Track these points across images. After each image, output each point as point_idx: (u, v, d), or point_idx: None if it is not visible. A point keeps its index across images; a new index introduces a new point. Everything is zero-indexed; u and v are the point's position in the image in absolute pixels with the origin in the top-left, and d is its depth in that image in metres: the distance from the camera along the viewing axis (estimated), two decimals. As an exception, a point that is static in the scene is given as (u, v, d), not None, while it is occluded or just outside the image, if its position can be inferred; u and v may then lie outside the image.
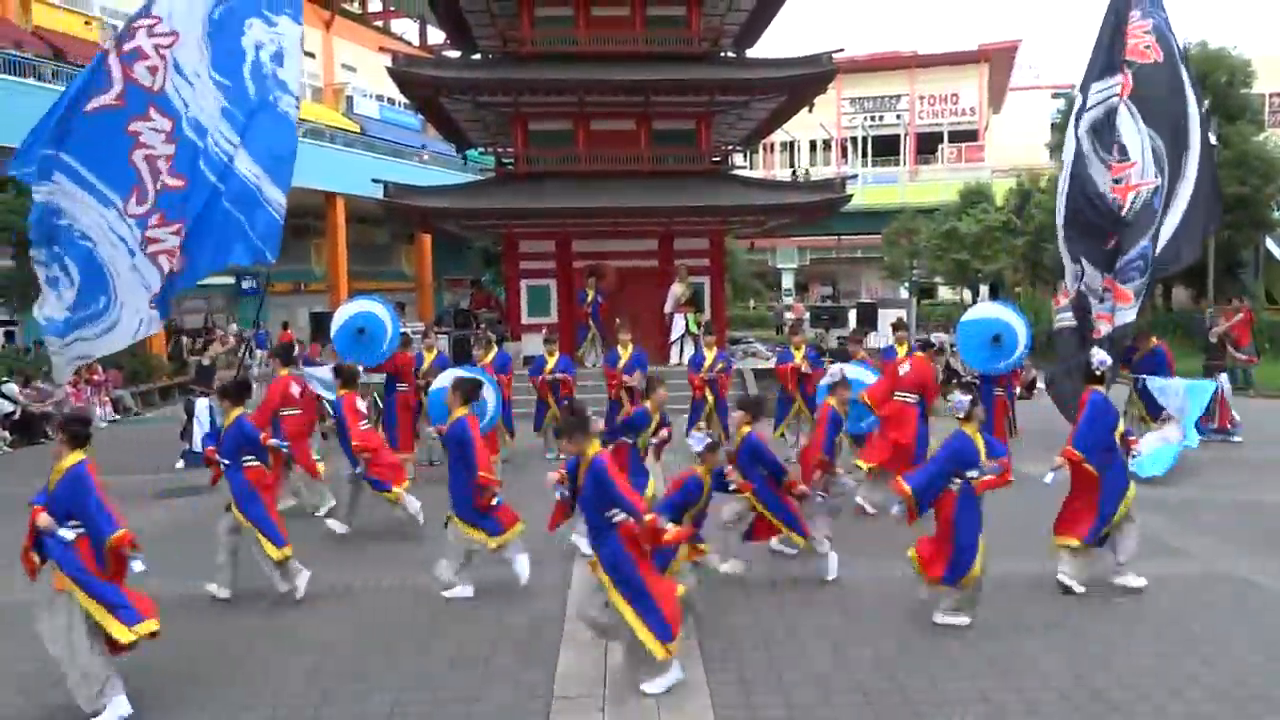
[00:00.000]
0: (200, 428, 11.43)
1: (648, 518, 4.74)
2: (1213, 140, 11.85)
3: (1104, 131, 11.20)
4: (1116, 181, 11.09)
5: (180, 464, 11.81)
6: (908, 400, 8.77)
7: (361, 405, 8.37)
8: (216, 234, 9.59)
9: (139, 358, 20.80)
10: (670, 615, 4.77)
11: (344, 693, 4.92)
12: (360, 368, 11.51)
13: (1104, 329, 11.10)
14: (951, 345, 12.70)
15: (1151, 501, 8.93)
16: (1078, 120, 11.59)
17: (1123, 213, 11.03)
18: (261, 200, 9.60)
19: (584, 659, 5.27)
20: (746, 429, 6.55)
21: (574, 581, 6.68)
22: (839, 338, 17.37)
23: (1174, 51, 11.65)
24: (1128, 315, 11.31)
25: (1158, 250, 11.17)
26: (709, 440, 5.48)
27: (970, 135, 54.14)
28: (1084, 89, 11.76)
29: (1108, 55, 11.46)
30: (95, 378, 17.25)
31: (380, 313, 11.08)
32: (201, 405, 11.75)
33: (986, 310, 10.65)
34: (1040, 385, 17.55)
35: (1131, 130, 11.18)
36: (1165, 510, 8.58)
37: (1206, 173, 11.57)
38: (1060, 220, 11.81)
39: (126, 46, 9.20)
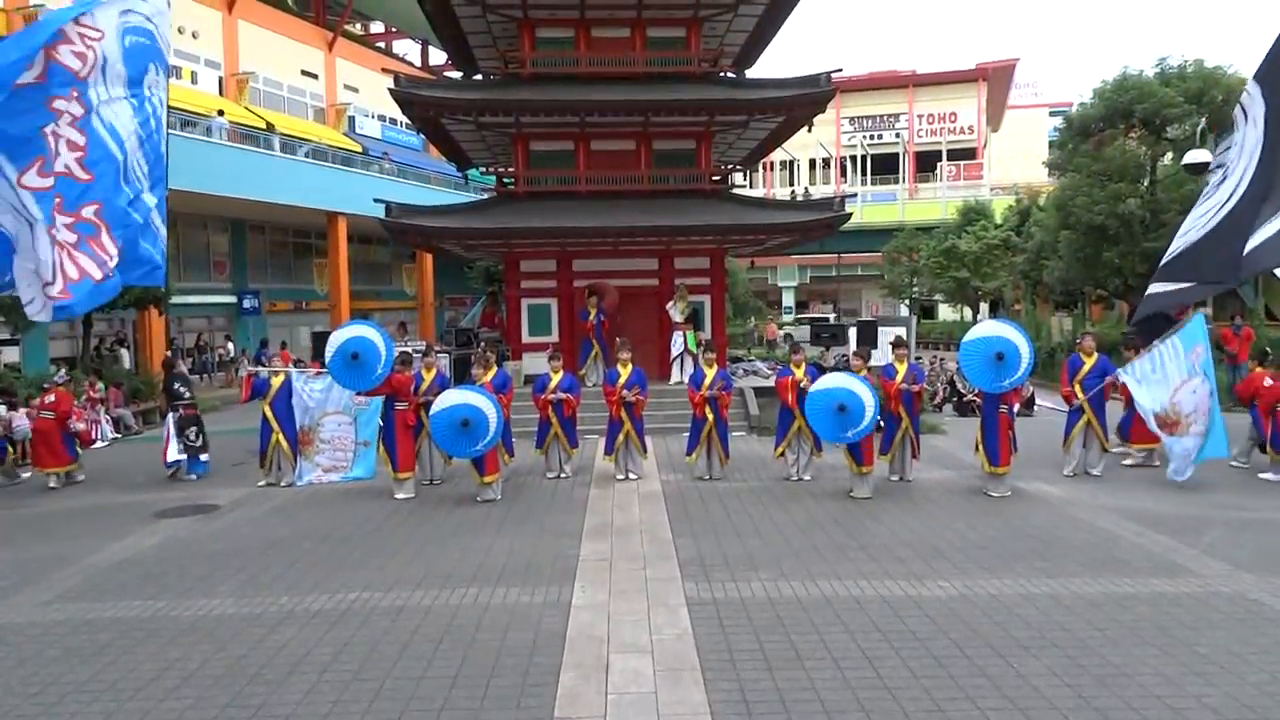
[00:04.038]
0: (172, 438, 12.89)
1: None
2: None
3: None
4: None
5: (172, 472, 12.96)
6: None
7: None
8: (129, 256, 10.66)
9: (140, 376, 20.82)
10: None
11: (342, 713, 4.89)
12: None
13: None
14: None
15: (1154, 519, 8.93)
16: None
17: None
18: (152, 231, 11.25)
19: (585, 680, 5.25)
20: None
21: (574, 604, 6.65)
22: (837, 355, 17.35)
23: None
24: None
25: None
26: None
27: (969, 153, 54.41)
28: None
29: None
30: (93, 394, 17.22)
31: (372, 336, 11.02)
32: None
33: (989, 329, 10.65)
34: (1038, 402, 17.59)
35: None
36: (1169, 528, 8.57)
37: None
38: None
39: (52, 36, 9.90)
